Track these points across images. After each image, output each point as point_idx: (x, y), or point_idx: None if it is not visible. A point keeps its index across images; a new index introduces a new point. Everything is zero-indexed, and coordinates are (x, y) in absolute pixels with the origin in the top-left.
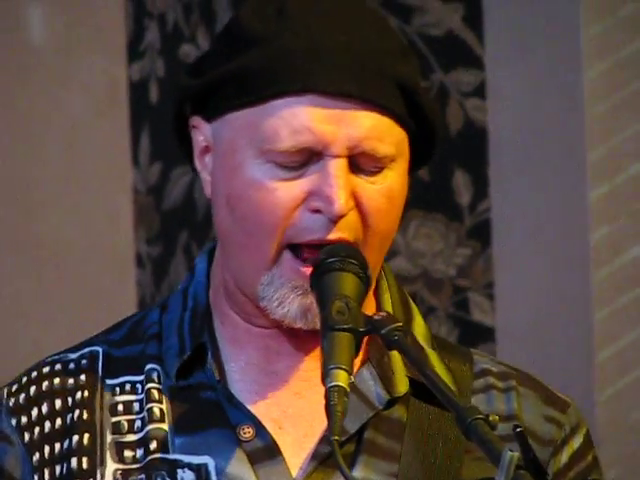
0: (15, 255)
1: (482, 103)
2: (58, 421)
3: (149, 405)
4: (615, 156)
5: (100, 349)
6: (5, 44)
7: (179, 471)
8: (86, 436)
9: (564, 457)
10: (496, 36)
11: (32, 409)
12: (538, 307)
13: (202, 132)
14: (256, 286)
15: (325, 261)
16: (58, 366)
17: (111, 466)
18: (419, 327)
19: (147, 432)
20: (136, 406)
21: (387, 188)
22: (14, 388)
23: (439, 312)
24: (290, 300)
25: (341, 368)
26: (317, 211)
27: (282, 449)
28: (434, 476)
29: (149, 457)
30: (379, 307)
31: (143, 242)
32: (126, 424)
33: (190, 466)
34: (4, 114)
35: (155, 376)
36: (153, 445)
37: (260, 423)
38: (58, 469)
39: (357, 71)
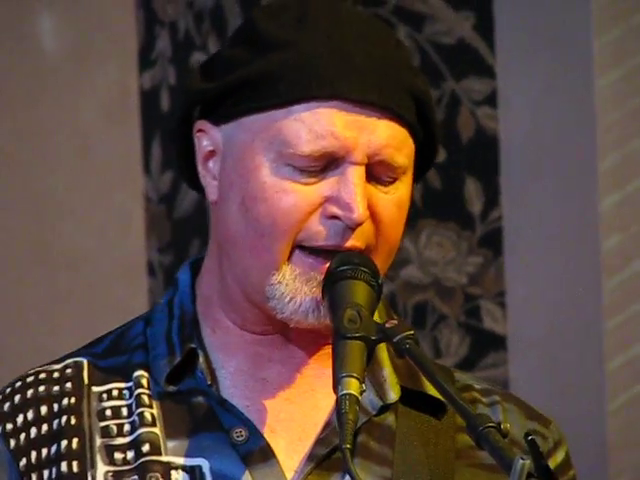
0: (28, 264)
1: (493, 111)
2: (44, 427)
3: (140, 410)
4: (627, 164)
5: (84, 359)
6: (17, 53)
7: (173, 472)
8: (75, 440)
9: None
10: (507, 44)
11: (17, 416)
12: (549, 315)
13: (209, 136)
14: (264, 287)
15: (337, 269)
16: (42, 375)
17: (102, 468)
18: None
19: (138, 435)
20: (124, 411)
21: (398, 198)
22: None
23: (451, 320)
24: (303, 294)
25: (353, 376)
26: (333, 217)
27: (275, 452)
28: None
29: (141, 459)
30: None
31: (155, 250)
32: (115, 428)
33: (184, 468)
34: (17, 122)
35: (144, 382)
36: (145, 448)
37: (253, 425)
38: (46, 473)
39: (378, 80)
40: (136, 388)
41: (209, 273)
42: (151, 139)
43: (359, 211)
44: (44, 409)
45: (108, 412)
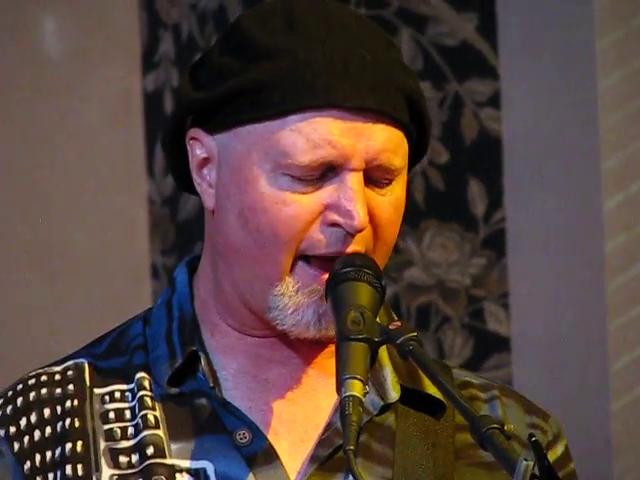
0: (31, 266)
1: (497, 113)
2: (48, 429)
3: (143, 412)
4: (630, 165)
5: (85, 361)
6: (20, 55)
7: (178, 475)
8: (79, 443)
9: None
10: (510, 46)
11: (20, 419)
12: (553, 316)
13: (202, 144)
14: (267, 297)
15: (340, 271)
16: (44, 377)
17: (107, 472)
18: None
19: (142, 438)
20: (127, 413)
21: (395, 199)
22: (0, 401)
23: (454, 322)
24: (305, 306)
25: (356, 378)
26: (334, 224)
27: (279, 453)
28: None
29: (146, 462)
30: None
31: (158, 253)
32: (119, 431)
33: (189, 470)
34: (20, 124)
35: (147, 384)
36: (150, 451)
37: (257, 427)
38: (51, 476)
39: (373, 84)
40: (138, 390)
41: (205, 276)
42: (154, 141)
43: (360, 218)
44: (47, 412)
45: (111, 415)
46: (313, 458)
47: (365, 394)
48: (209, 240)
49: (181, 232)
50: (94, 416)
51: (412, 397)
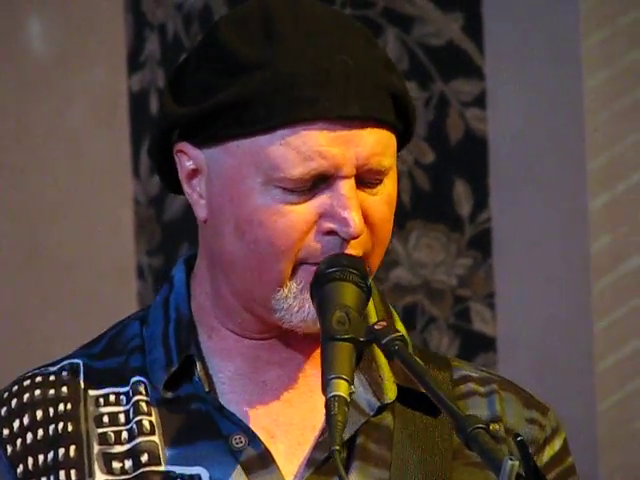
0: (16, 267)
1: (482, 113)
2: (40, 432)
3: (138, 418)
4: (615, 165)
5: (80, 361)
6: (6, 56)
7: None
8: (72, 448)
9: (545, 457)
10: (496, 46)
11: (14, 421)
12: (539, 316)
13: (190, 157)
14: (269, 301)
15: (325, 271)
16: (38, 378)
17: (100, 477)
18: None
19: (136, 444)
20: (122, 417)
21: (387, 196)
22: None
23: (440, 322)
24: (310, 303)
25: (342, 378)
26: (330, 232)
27: (275, 457)
28: None
29: (140, 470)
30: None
31: (144, 253)
32: (113, 435)
33: (183, 477)
34: (6, 125)
35: (142, 388)
36: (144, 458)
37: (252, 432)
38: None
39: (357, 90)
40: (134, 395)
41: (201, 280)
42: (140, 142)
43: (355, 224)
44: (39, 413)
45: (105, 418)
46: (309, 462)
47: (351, 394)
48: (204, 246)
49: (167, 232)
50: (88, 419)
51: (410, 396)
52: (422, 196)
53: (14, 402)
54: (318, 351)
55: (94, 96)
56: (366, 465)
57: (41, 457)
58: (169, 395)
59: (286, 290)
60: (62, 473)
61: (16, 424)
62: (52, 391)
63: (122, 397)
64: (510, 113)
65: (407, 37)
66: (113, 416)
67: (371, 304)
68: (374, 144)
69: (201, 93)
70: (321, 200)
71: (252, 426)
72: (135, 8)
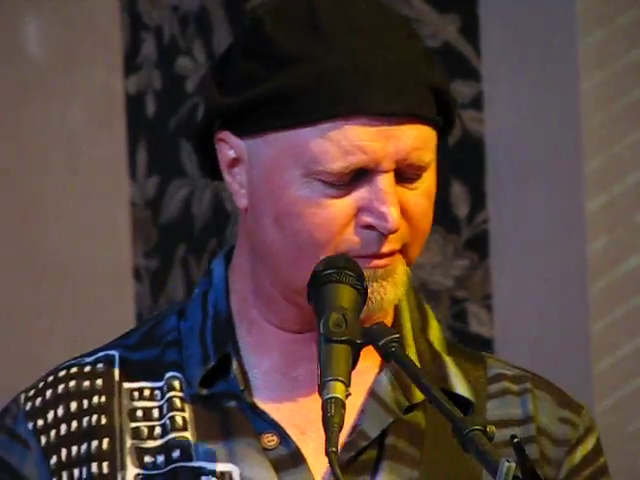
0: (14, 269)
1: (479, 115)
2: (74, 424)
3: (171, 414)
4: (613, 166)
5: (116, 353)
6: (2, 58)
7: (203, 478)
8: (105, 441)
9: (578, 456)
10: (493, 47)
11: (48, 412)
12: (536, 318)
13: (232, 146)
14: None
15: (322, 272)
16: (74, 369)
17: (132, 470)
18: (434, 331)
19: (169, 440)
20: (155, 412)
21: (426, 188)
22: (31, 393)
23: None
24: None
25: (338, 380)
26: (369, 226)
27: (305, 456)
28: None
29: (172, 465)
30: (396, 313)
31: (140, 255)
32: (146, 430)
33: (214, 473)
34: (2, 127)
35: (177, 384)
36: (176, 454)
37: (284, 431)
38: (77, 472)
39: (399, 86)
40: (168, 390)
41: (241, 272)
42: (136, 144)
43: (393, 219)
44: (74, 405)
45: (139, 413)
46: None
47: (347, 396)
48: (244, 236)
49: (163, 234)
50: (122, 412)
51: None
52: None
53: (49, 393)
54: None
55: (90, 98)
56: (396, 464)
57: (74, 449)
58: (204, 392)
59: None
60: (94, 465)
61: (50, 415)
62: (87, 383)
63: (157, 392)
64: (507, 115)
65: None
66: (147, 411)
67: (405, 306)
68: (414, 139)
69: (245, 84)
70: (360, 194)
71: (283, 423)
72: (131, 10)
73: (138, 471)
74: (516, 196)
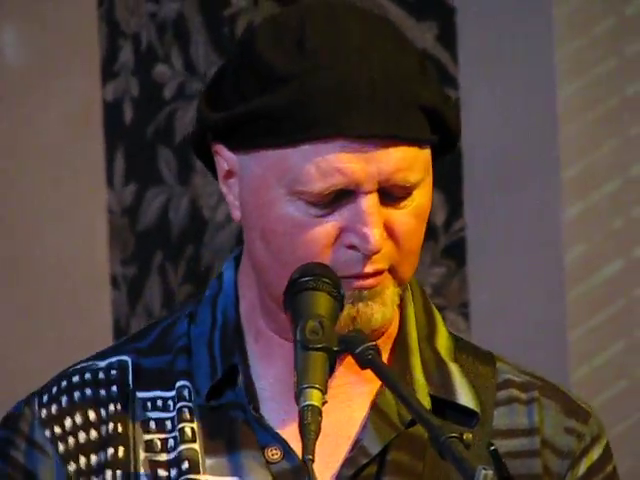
0: None
1: None
2: (93, 433)
3: (181, 425)
4: (589, 174)
5: (129, 359)
6: None
7: None
8: (121, 449)
9: (582, 468)
10: (470, 55)
11: (65, 419)
12: (513, 326)
13: (225, 159)
14: None
15: (298, 280)
16: (88, 375)
17: None
18: (442, 339)
19: (179, 452)
20: (168, 424)
21: (416, 207)
22: (45, 399)
23: None
24: None
25: (315, 387)
26: (352, 246)
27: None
28: None
29: (182, 477)
30: (402, 320)
31: (118, 263)
32: (159, 443)
33: None
34: None
35: (186, 393)
36: (185, 466)
37: (288, 445)
38: None
39: (383, 108)
40: (178, 400)
41: (249, 279)
42: (114, 151)
43: (375, 240)
44: (92, 415)
45: (152, 424)
46: (338, 478)
47: (324, 403)
48: (247, 249)
49: (141, 242)
50: (135, 422)
51: (445, 407)
52: None
53: (64, 400)
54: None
55: (68, 105)
56: (398, 479)
57: (94, 457)
58: (212, 403)
59: None
60: (109, 473)
61: (68, 423)
62: (103, 392)
63: (169, 402)
64: (484, 122)
65: None
66: (160, 422)
67: (411, 314)
68: (398, 160)
69: (233, 100)
70: (344, 214)
71: (287, 437)
72: (109, 17)
73: None
74: (493, 204)
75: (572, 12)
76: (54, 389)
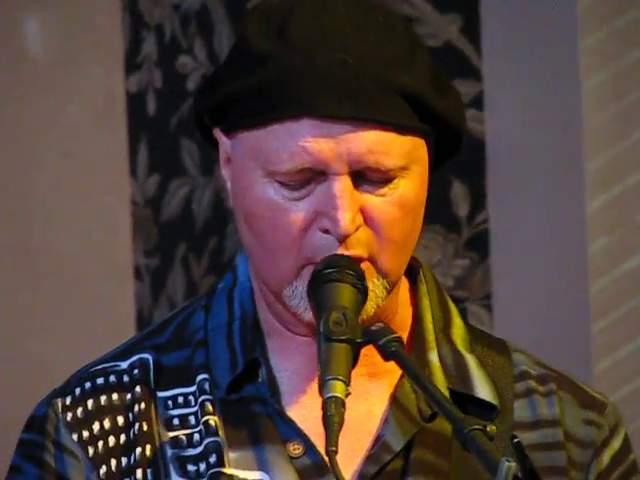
0: (14, 267)
1: (480, 114)
2: (122, 437)
3: (205, 418)
4: (613, 167)
5: (150, 357)
6: (4, 57)
7: None
8: (148, 447)
9: (606, 459)
10: (494, 47)
11: (93, 423)
12: (536, 318)
13: (223, 145)
14: (281, 297)
15: (322, 272)
16: (112, 378)
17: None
18: (458, 330)
19: (206, 445)
20: (192, 419)
21: (398, 197)
22: (68, 400)
23: None
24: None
25: (338, 379)
26: (326, 231)
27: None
28: None
29: (210, 471)
30: (417, 312)
31: (141, 254)
32: (185, 438)
33: None
34: (2, 126)
35: (207, 387)
36: (212, 459)
37: (309, 440)
38: None
39: (353, 89)
40: (200, 394)
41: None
42: (137, 142)
43: (344, 223)
44: (121, 420)
45: (176, 421)
46: (361, 475)
47: (347, 395)
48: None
49: (164, 233)
50: (159, 421)
51: (463, 401)
52: None
53: (90, 403)
54: (368, 352)
55: (91, 97)
56: (423, 478)
57: (124, 460)
58: (233, 396)
59: (292, 289)
60: (139, 472)
61: (96, 427)
62: (129, 395)
63: (190, 398)
64: (508, 114)
65: None
66: (183, 418)
67: (426, 306)
68: (372, 143)
69: (220, 82)
70: (317, 198)
71: (309, 432)
72: (132, 9)
73: None
74: (517, 196)
75: (596, 4)
76: (77, 390)
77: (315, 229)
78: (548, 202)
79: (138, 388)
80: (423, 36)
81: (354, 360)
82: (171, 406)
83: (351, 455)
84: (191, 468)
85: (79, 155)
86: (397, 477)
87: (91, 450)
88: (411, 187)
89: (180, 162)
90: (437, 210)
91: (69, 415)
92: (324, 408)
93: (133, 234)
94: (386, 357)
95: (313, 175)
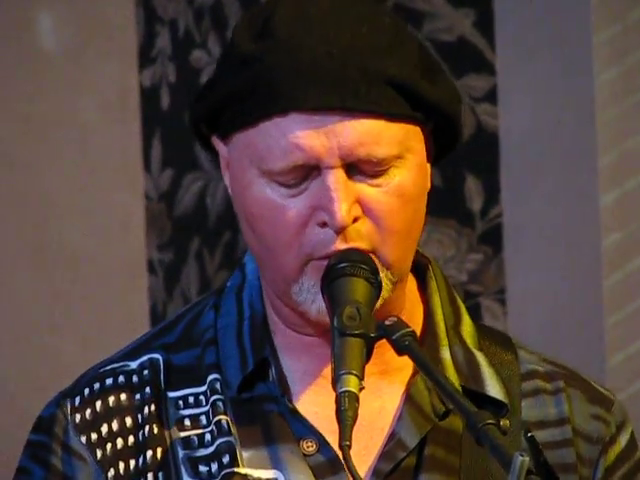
0: (27, 262)
1: (493, 108)
2: (131, 438)
3: (217, 417)
4: (626, 161)
5: (160, 357)
6: (17, 51)
7: None
8: (159, 450)
9: (612, 456)
10: (507, 41)
11: (101, 425)
12: (550, 312)
13: (221, 150)
14: (290, 296)
15: (336, 266)
16: (121, 378)
17: None
18: (467, 327)
19: (217, 446)
20: (203, 419)
21: (395, 186)
22: (77, 401)
23: None
24: (321, 295)
25: (352, 374)
26: (324, 224)
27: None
28: None
29: (223, 471)
30: (428, 309)
31: (155, 249)
32: (196, 439)
33: None
34: (16, 121)
35: (218, 386)
36: (225, 459)
37: (323, 437)
38: None
39: (339, 80)
40: (211, 394)
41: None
42: (151, 137)
43: (340, 214)
44: (129, 421)
45: (187, 421)
46: (376, 472)
47: (361, 389)
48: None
49: (177, 227)
50: (169, 422)
51: (475, 398)
52: (433, 192)
53: (98, 405)
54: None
55: (105, 91)
56: (436, 476)
57: (132, 462)
58: (244, 396)
59: (298, 286)
60: (150, 475)
61: (104, 429)
62: (138, 396)
63: (201, 397)
64: (521, 109)
65: (418, 33)
66: (194, 418)
67: (437, 303)
68: (361, 134)
69: (211, 88)
70: (313, 193)
71: (322, 429)
72: (146, 3)
73: None
74: (530, 190)
75: None
76: (86, 391)
77: (313, 224)
78: (562, 197)
79: (148, 389)
80: (436, 31)
81: (368, 355)
82: (182, 406)
83: (365, 452)
84: (203, 469)
85: (93, 150)
86: (411, 474)
87: (99, 453)
88: (408, 176)
89: (194, 157)
90: (451, 205)
91: (78, 417)
92: (338, 402)
93: (147, 229)
94: (399, 351)
95: (307, 171)
